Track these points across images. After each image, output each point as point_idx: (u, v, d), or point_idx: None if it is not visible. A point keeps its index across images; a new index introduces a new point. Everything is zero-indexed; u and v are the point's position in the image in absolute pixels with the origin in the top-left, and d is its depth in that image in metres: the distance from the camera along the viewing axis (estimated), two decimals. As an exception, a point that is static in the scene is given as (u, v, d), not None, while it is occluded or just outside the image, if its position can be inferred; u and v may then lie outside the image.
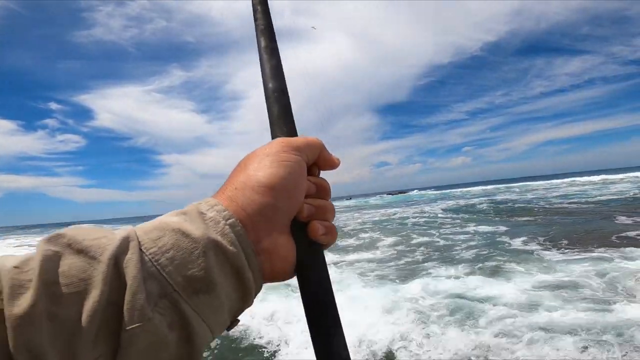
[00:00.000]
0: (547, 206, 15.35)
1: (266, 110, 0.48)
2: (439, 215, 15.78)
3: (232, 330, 0.36)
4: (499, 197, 24.18)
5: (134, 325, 0.26)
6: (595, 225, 8.83)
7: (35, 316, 0.25)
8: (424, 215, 16.43)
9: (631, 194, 16.18)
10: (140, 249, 0.29)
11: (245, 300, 0.35)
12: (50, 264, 0.27)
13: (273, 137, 0.44)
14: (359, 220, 16.90)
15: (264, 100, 0.48)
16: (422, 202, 30.07)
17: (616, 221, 9.17)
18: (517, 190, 32.84)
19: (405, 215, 16.93)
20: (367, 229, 12.93)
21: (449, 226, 11.81)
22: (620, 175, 33.82)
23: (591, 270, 5.04)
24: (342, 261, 7.63)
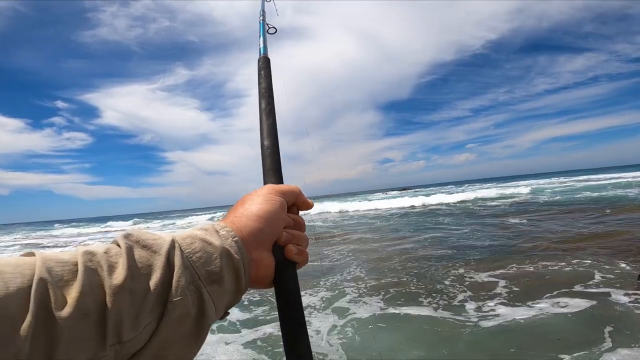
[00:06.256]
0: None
1: (260, 160, 0.60)
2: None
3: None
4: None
5: (177, 298, 0.38)
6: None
7: (125, 288, 0.35)
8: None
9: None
10: (181, 249, 0.42)
11: (237, 296, 0.47)
12: (130, 252, 0.39)
13: (265, 182, 0.59)
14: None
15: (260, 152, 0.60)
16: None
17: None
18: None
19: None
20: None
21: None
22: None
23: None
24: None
